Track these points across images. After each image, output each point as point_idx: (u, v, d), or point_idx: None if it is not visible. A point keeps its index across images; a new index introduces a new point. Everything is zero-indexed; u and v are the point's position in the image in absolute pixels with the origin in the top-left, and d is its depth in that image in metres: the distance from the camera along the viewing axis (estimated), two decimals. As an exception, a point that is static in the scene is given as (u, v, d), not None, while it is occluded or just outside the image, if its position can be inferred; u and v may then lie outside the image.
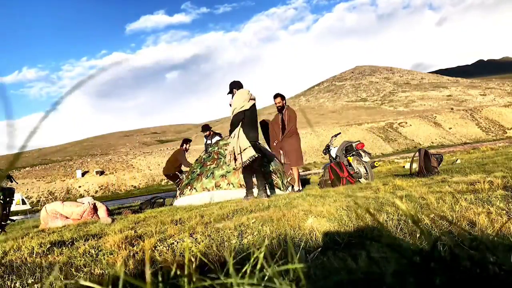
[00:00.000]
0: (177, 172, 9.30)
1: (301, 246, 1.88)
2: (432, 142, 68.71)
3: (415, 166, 6.93)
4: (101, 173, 57.21)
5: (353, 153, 7.21)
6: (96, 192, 51.34)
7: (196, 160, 7.43)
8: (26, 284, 1.93)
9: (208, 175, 6.67)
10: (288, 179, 6.94)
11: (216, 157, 7.01)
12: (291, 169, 7.00)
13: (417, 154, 6.48)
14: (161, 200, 8.00)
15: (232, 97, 5.78)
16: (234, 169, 6.57)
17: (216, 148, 7.25)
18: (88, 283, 0.60)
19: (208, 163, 6.93)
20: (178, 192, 6.97)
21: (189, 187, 6.72)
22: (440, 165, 6.45)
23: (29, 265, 2.29)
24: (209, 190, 6.48)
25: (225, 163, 6.77)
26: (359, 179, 6.98)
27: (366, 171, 6.87)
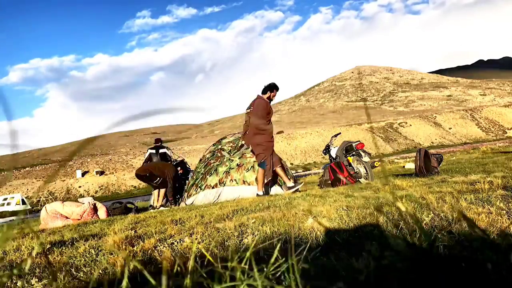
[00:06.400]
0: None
1: (301, 246, 1.88)
2: (432, 142, 68.73)
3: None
4: (101, 173, 57.22)
5: (353, 153, 7.21)
6: (96, 192, 51.35)
7: (200, 160, 7.45)
8: (26, 284, 1.94)
9: (212, 172, 6.71)
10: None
11: (219, 155, 7.04)
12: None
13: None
14: (133, 206, 7.40)
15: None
16: (237, 165, 6.61)
17: (220, 147, 7.28)
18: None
19: (212, 161, 6.97)
20: (185, 194, 6.98)
21: (194, 187, 6.75)
22: (440, 165, 6.45)
23: (29, 265, 2.29)
24: (213, 188, 6.52)
25: (229, 159, 6.79)
26: (359, 179, 6.98)
27: (366, 171, 6.87)
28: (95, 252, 2.44)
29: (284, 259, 0.84)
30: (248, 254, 0.78)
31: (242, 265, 0.72)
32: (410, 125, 77.24)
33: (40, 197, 45.80)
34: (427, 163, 6.11)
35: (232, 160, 6.77)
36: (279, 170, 6.06)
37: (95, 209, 5.79)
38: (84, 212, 5.58)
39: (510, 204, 2.41)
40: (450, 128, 76.87)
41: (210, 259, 0.70)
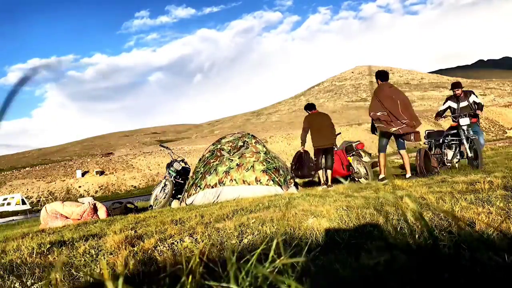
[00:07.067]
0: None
1: (301, 246, 1.88)
2: (432, 142, 68.59)
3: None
4: (101, 173, 57.21)
5: (353, 153, 7.21)
6: (96, 192, 51.33)
7: (200, 159, 7.45)
8: (26, 284, 1.93)
9: (211, 172, 6.71)
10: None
11: (219, 154, 7.04)
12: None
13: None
14: (132, 206, 7.36)
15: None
16: (237, 165, 6.61)
17: (219, 146, 7.28)
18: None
19: (212, 161, 6.97)
20: (186, 193, 6.97)
21: (194, 187, 6.75)
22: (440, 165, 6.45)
23: (29, 265, 2.29)
24: (212, 187, 6.52)
25: (228, 159, 6.79)
26: (359, 179, 6.99)
27: (366, 171, 6.88)
28: (95, 252, 2.43)
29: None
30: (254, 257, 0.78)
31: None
32: (410, 125, 77.12)
33: (40, 197, 45.80)
34: (427, 163, 6.11)
35: (232, 160, 6.78)
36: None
37: (95, 209, 5.79)
38: (84, 212, 5.58)
39: (510, 204, 2.41)
40: (450, 128, 76.70)
41: (211, 265, 0.70)
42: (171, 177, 7.57)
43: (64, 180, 54.40)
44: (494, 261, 0.81)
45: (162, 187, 7.46)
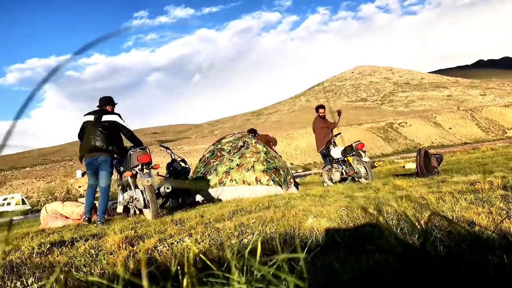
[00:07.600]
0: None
1: (301, 246, 1.88)
2: (432, 142, 68.69)
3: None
4: (101, 173, 57.14)
5: (353, 153, 7.22)
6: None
7: (200, 159, 7.45)
8: (26, 284, 1.93)
9: (212, 172, 6.71)
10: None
11: (219, 154, 7.04)
12: None
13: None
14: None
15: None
16: (237, 165, 6.61)
17: (219, 146, 7.28)
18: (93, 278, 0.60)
19: (212, 161, 6.98)
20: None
21: None
22: (440, 165, 6.45)
23: (29, 265, 2.29)
24: (212, 187, 6.52)
25: (229, 159, 6.79)
26: (359, 179, 6.99)
27: (366, 171, 6.87)
28: (95, 252, 2.43)
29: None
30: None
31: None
32: (410, 125, 77.20)
33: (40, 197, 45.80)
34: (427, 163, 6.11)
35: (232, 160, 6.77)
36: None
37: (95, 209, 5.78)
38: (84, 212, 5.58)
39: (510, 204, 2.41)
40: (450, 128, 76.81)
41: (209, 263, 0.70)
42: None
43: (64, 180, 54.39)
44: (493, 261, 0.81)
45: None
